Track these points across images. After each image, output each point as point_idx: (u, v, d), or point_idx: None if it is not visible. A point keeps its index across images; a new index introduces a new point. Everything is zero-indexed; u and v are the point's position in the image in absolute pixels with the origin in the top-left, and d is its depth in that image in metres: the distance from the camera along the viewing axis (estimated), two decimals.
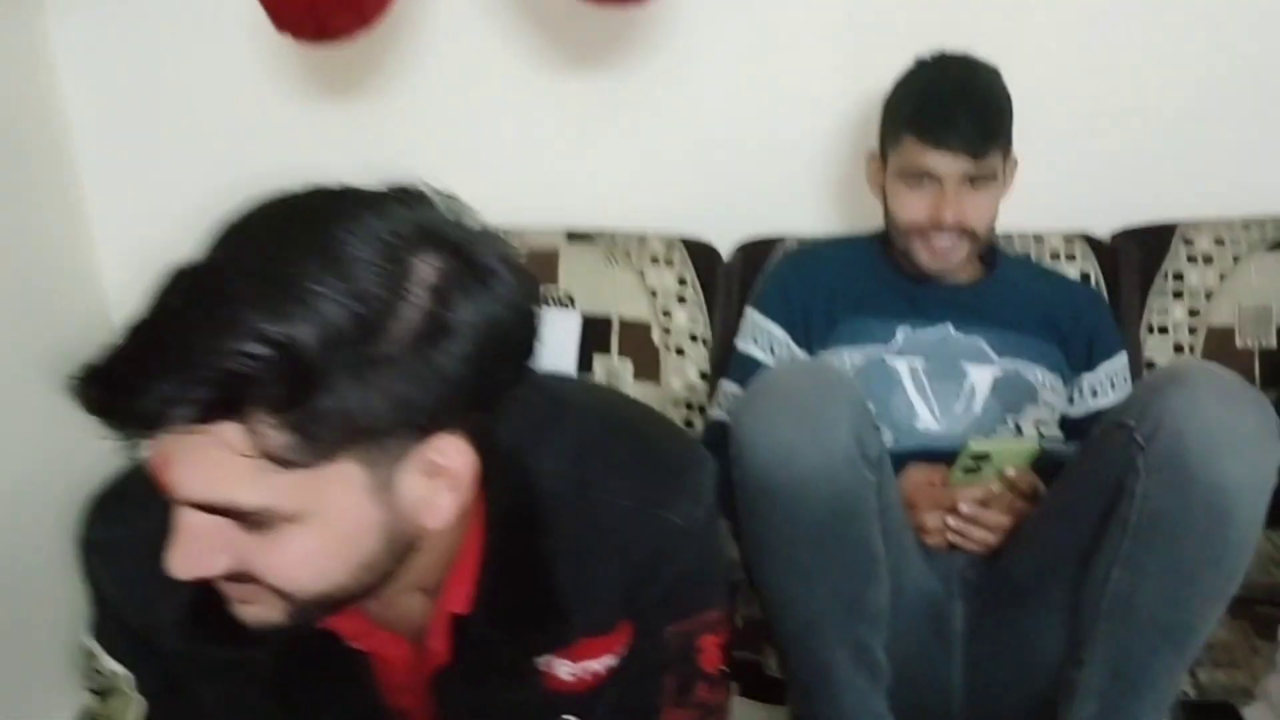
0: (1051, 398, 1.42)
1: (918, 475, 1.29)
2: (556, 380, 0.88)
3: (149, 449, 0.64)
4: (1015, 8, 1.62)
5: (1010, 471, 1.26)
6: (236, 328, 0.59)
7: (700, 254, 1.68)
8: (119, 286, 1.82)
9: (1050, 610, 1.18)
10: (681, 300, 1.65)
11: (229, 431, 0.61)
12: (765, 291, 1.53)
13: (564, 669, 0.87)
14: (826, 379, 1.09)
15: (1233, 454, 0.99)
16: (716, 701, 0.95)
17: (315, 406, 0.61)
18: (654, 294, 1.65)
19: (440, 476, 0.69)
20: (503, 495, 0.79)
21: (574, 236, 1.68)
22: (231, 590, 0.70)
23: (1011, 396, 1.40)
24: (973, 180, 1.35)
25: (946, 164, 1.34)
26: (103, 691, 0.88)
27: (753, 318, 1.51)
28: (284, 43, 1.65)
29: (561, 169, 1.76)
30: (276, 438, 0.61)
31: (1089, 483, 1.12)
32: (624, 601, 0.86)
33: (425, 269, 0.64)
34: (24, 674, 1.50)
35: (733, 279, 1.68)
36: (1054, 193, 1.61)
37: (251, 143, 1.75)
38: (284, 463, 0.62)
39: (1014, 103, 1.41)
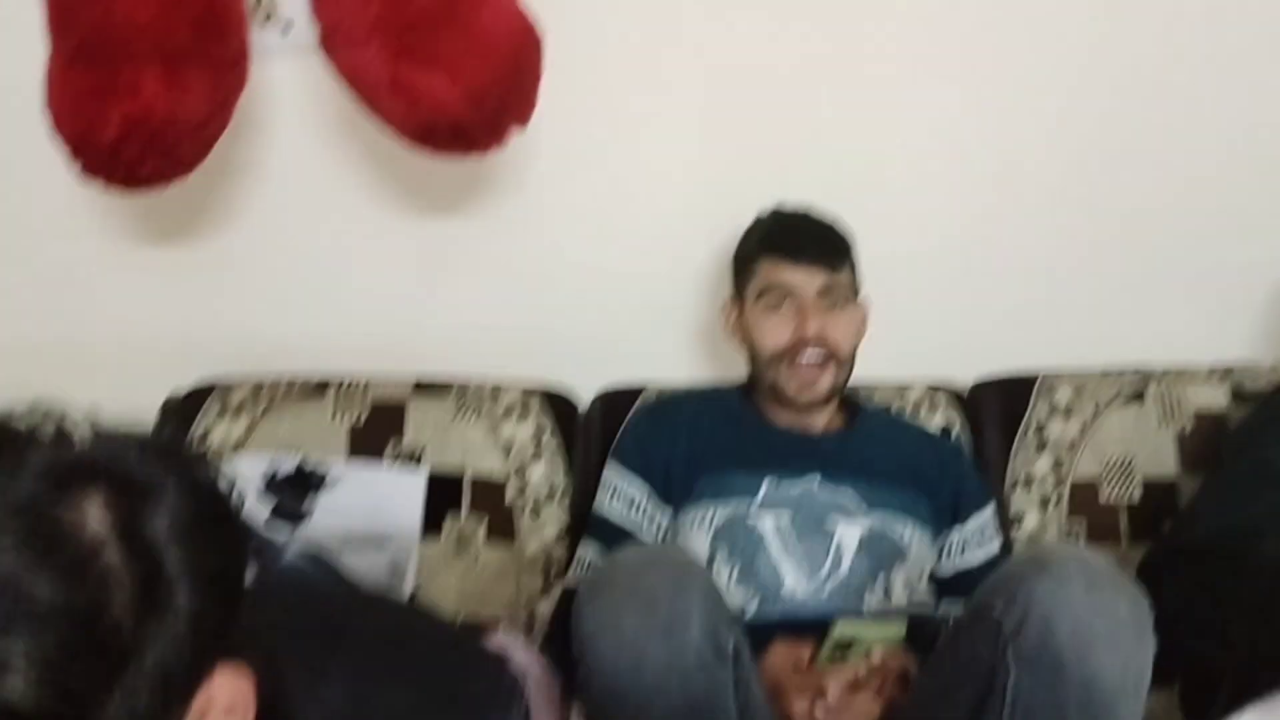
0: (920, 554, 1.36)
1: (782, 657, 1.20)
2: (335, 598, 0.77)
3: None
4: (870, 162, 1.61)
5: (876, 657, 1.19)
6: None
7: (558, 404, 1.58)
8: None
9: None
10: (537, 455, 1.55)
11: None
12: (622, 444, 1.46)
13: None
14: (675, 566, 1.00)
15: (1107, 647, 0.93)
16: None
17: None
18: (508, 449, 1.55)
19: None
20: None
21: (422, 387, 1.57)
22: None
23: (879, 554, 1.34)
24: (829, 295, 1.37)
25: (802, 278, 1.36)
26: None
27: (611, 473, 1.43)
28: None
29: (409, 315, 1.67)
30: None
31: (959, 672, 1.05)
32: None
33: (92, 530, 0.51)
34: None
35: (592, 430, 1.59)
36: (913, 343, 1.59)
37: (71, 291, 1.62)
38: None
39: (872, 253, 1.43)
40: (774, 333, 1.37)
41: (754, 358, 1.41)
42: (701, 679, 0.96)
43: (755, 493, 1.36)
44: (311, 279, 1.64)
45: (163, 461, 0.56)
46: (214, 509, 0.57)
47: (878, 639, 1.17)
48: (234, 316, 1.64)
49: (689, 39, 1.58)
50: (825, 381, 1.37)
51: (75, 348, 1.63)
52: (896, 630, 1.19)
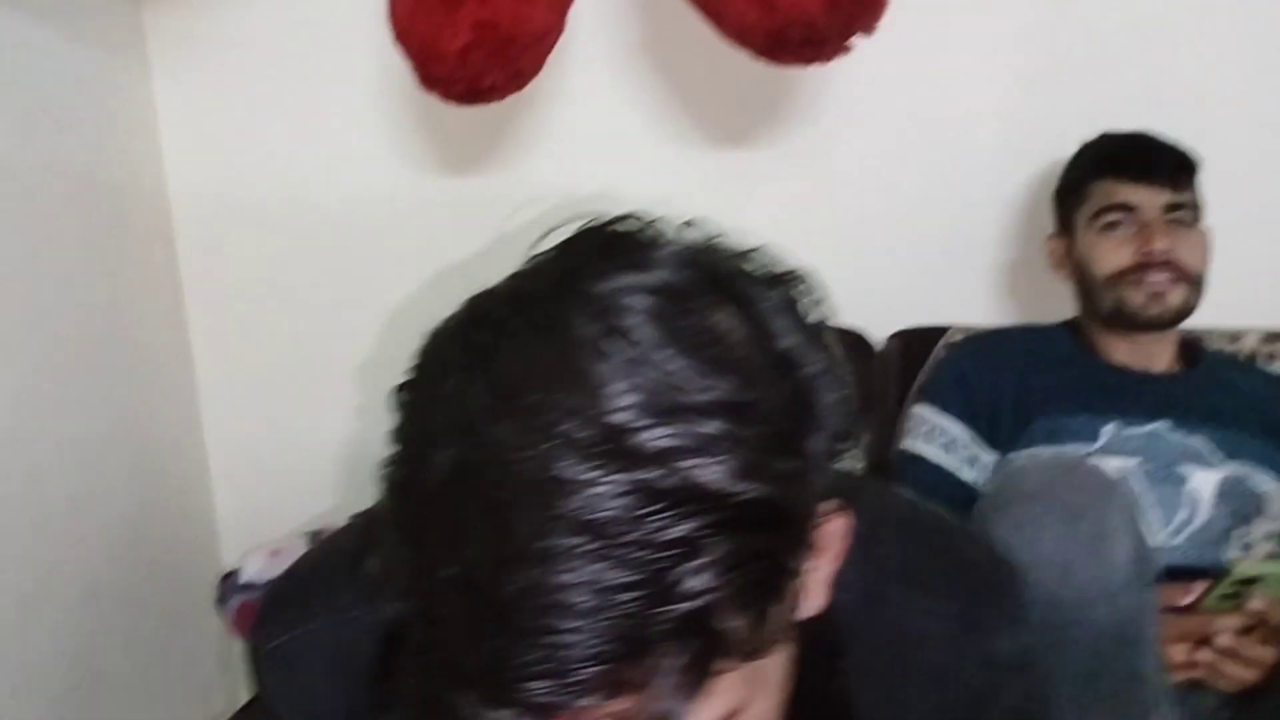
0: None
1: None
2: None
3: None
4: (1203, 89, 1.48)
5: (1261, 603, 1.08)
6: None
7: (851, 343, 1.52)
8: (209, 365, 1.69)
9: None
10: None
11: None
12: (938, 383, 1.38)
13: None
14: (1096, 479, 0.92)
15: None
16: None
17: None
18: None
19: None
20: None
21: None
22: None
23: (1239, 506, 1.23)
24: (1176, 212, 1.27)
25: (1146, 195, 1.27)
26: None
27: (923, 413, 1.35)
28: (404, 111, 1.55)
29: None
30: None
31: None
32: None
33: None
34: None
35: (889, 370, 1.52)
36: (1251, 287, 1.46)
37: (363, 216, 1.63)
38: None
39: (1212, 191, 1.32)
40: (1115, 252, 1.27)
41: (1089, 286, 1.31)
42: (1129, 601, 0.88)
43: (1095, 438, 1.26)
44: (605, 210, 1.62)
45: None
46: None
47: None
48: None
49: None
50: (1176, 296, 1.27)
51: None
52: None
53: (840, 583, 0.64)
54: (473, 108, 1.28)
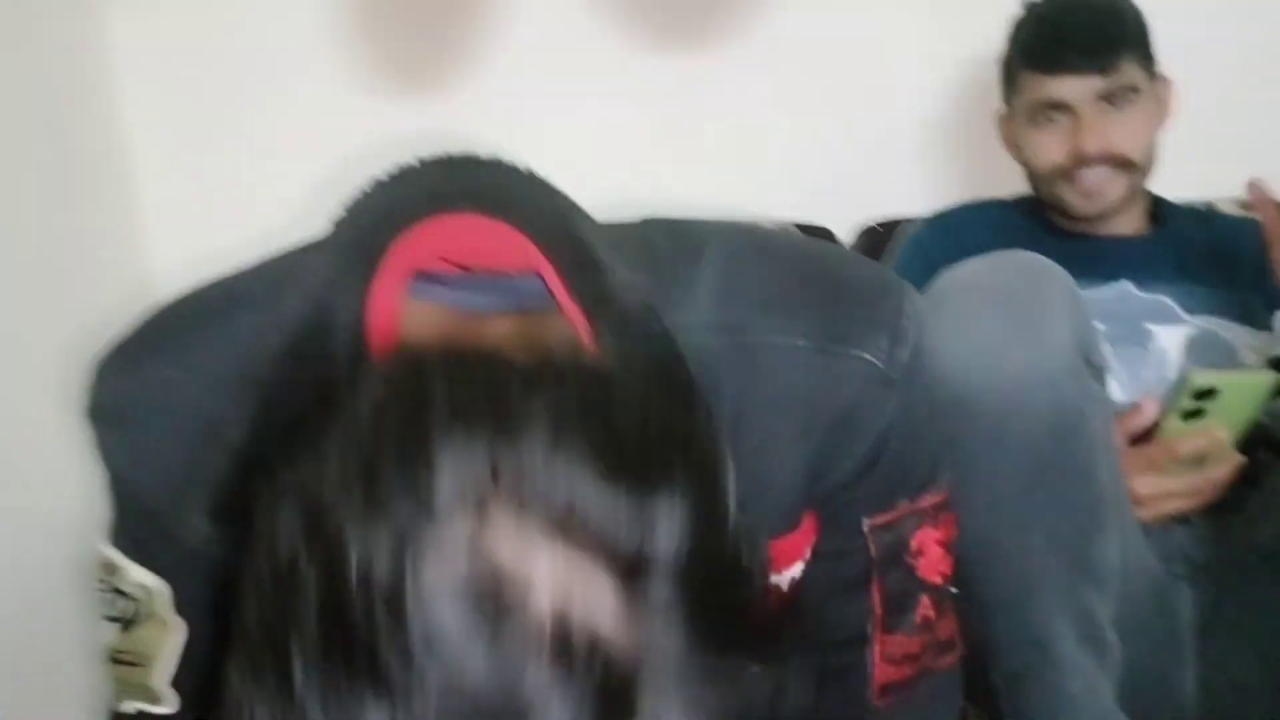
0: (1254, 358, 1.19)
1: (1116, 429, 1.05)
2: (686, 219, 0.69)
3: None
4: None
5: (1222, 434, 1.02)
6: None
7: (818, 236, 1.49)
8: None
9: None
10: None
11: None
12: (902, 264, 1.34)
13: None
14: (1034, 265, 0.87)
15: None
16: (944, 623, 0.71)
17: None
18: None
19: None
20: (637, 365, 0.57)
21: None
22: None
23: (1208, 359, 1.18)
24: (1111, 99, 1.18)
25: (1072, 87, 1.18)
26: (126, 619, 0.66)
27: None
28: (355, 35, 1.55)
29: (658, 156, 1.61)
30: None
31: None
32: (806, 482, 0.64)
33: None
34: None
35: None
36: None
37: (317, 141, 1.61)
38: None
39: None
40: (1046, 150, 1.22)
41: (1031, 175, 1.27)
42: (1071, 389, 0.83)
43: None
44: (553, 121, 1.59)
45: None
46: None
47: (1244, 388, 1.01)
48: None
49: None
50: (1115, 190, 1.21)
51: None
52: (1266, 378, 1.02)
53: (701, 324, 0.61)
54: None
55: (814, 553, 0.68)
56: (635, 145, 1.61)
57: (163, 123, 1.63)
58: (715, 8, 1.54)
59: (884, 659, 0.69)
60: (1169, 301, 1.21)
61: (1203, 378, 1.00)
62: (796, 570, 0.67)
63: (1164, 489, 1.01)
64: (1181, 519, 1.06)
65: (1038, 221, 1.31)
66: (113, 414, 0.63)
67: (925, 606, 0.69)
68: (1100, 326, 1.18)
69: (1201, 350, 1.18)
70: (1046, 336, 0.83)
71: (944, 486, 0.71)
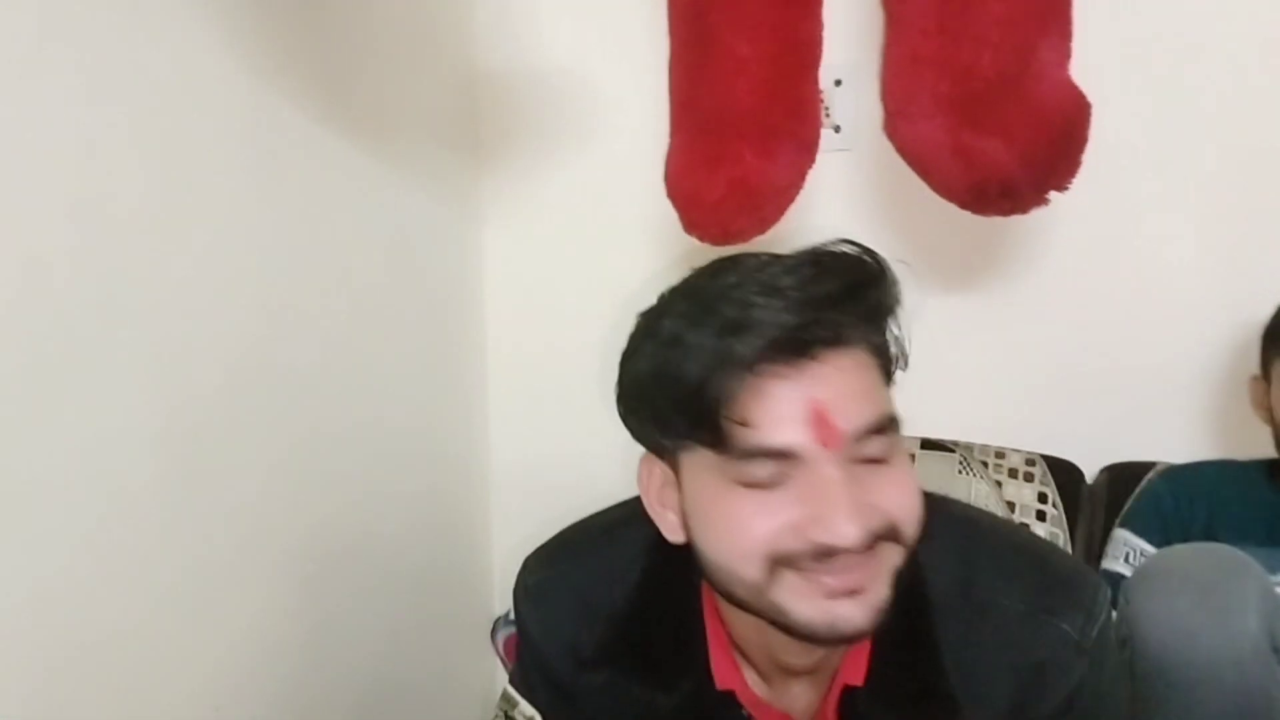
0: None
1: None
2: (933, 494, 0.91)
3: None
4: None
5: None
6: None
7: (1062, 471, 1.65)
8: (503, 486, 2.02)
9: None
10: (1040, 516, 1.62)
11: (867, 354, 0.75)
12: (1137, 508, 1.49)
13: None
14: (1231, 560, 1.03)
15: None
16: None
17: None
18: (1011, 505, 1.63)
19: None
20: None
21: (929, 444, 1.71)
22: (856, 569, 0.74)
23: None
24: None
25: None
26: None
27: (1122, 536, 1.46)
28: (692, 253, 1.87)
29: (919, 382, 1.80)
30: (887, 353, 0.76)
31: None
32: (1010, 713, 0.84)
33: None
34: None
35: (1097, 500, 1.63)
36: None
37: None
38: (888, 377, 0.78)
39: None
40: None
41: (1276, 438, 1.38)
42: (1257, 669, 0.97)
43: (1278, 570, 1.33)
44: None
45: None
46: None
47: None
48: None
49: (1201, 114, 1.64)
50: None
51: None
52: None
53: (934, 565, 0.83)
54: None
55: None
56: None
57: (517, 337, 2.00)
58: (990, 248, 1.75)
59: None
60: None
61: None
62: None
63: None
64: None
65: (1271, 486, 1.42)
66: (534, 593, 0.93)
67: None
68: None
69: None
70: (1237, 625, 0.98)
71: None
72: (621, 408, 0.80)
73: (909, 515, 0.75)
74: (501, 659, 1.61)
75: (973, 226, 1.46)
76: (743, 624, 0.84)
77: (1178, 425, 1.68)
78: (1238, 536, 1.36)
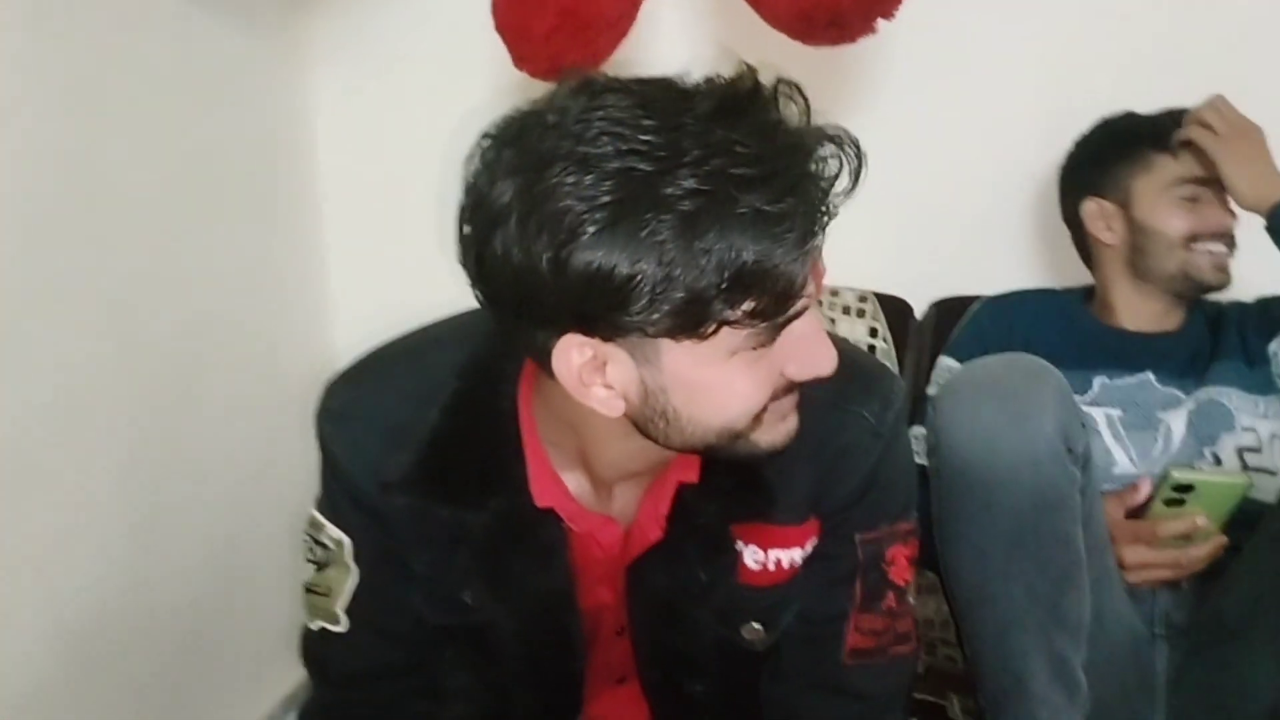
0: (1252, 420, 1.35)
1: (1113, 506, 1.24)
2: None
3: None
4: (1224, 70, 1.55)
5: (1202, 520, 1.19)
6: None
7: (892, 307, 1.70)
8: (348, 332, 1.95)
9: (1265, 653, 1.10)
10: (871, 350, 1.66)
11: None
12: (959, 337, 1.54)
13: (753, 556, 0.91)
14: (1030, 367, 1.08)
15: None
16: (903, 611, 0.98)
17: None
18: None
19: None
20: None
21: None
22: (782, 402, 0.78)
23: (1206, 428, 1.34)
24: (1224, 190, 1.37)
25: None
26: (321, 564, 0.94)
27: (945, 363, 1.51)
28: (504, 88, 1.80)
29: None
30: None
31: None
32: (813, 497, 0.91)
33: None
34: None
35: (925, 335, 1.68)
36: None
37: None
38: None
39: None
40: (1185, 220, 1.38)
41: (1149, 249, 1.41)
42: (1051, 469, 1.03)
43: (1086, 390, 1.41)
44: None
45: None
46: None
47: (1217, 488, 1.18)
48: None
49: None
50: (1230, 267, 1.39)
51: None
52: (1238, 481, 1.19)
53: None
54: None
55: (817, 553, 0.94)
56: None
57: (351, 174, 1.92)
58: (816, 89, 1.74)
59: (856, 630, 0.96)
60: (1180, 394, 1.39)
61: (1181, 475, 1.18)
62: (795, 555, 0.93)
63: (1146, 559, 1.19)
64: (1173, 585, 1.23)
65: (1084, 313, 1.49)
66: (338, 416, 0.91)
67: (890, 600, 0.97)
68: (1117, 412, 1.37)
69: (1201, 422, 1.35)
70: (1034, 428, 1.03)
71: (913, 518, 0.97)
72: (512, 294, 0.73)
73: None
74: None
75: (802, 57, 1.45)
76: (594, 442, 0.84)
77: (1004, 262, 1.73)
78: (1053, 360, 1.42)
